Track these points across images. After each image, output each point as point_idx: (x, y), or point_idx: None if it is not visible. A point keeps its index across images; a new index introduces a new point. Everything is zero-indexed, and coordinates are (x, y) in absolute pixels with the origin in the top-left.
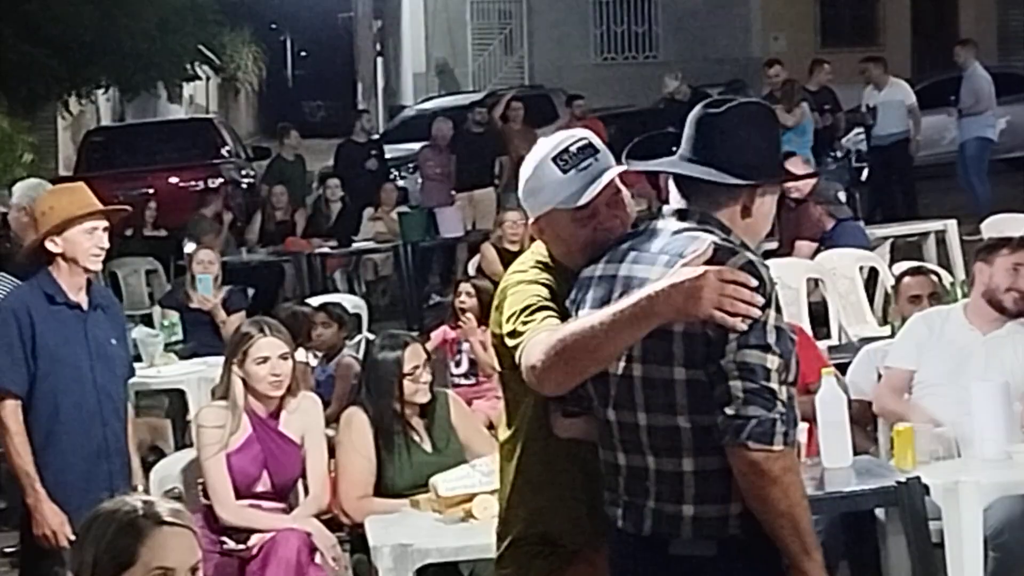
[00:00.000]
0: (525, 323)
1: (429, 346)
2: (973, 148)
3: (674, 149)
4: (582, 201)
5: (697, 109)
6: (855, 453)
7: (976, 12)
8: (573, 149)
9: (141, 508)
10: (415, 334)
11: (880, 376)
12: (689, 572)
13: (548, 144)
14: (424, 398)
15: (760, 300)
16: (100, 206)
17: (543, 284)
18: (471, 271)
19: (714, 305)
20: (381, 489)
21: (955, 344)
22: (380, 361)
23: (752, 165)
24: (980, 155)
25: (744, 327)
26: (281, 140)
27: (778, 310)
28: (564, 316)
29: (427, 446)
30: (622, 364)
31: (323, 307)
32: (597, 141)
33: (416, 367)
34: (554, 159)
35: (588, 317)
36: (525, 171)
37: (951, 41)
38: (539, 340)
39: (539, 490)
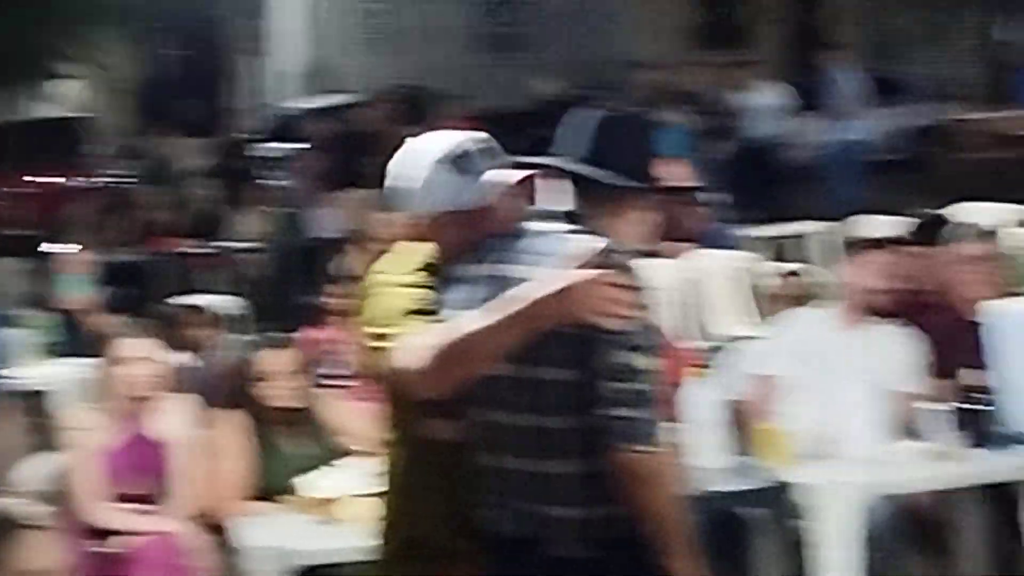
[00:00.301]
0: (399, 326)
1: (301, 347)
2: (843, 151)
3: (551, 151)
4: (479, 204)
5: (587, 112)
6: (727, 454)
7: (846, 16)
8: (467, 152)
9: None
10: (288, 335)
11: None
12: (565, 574)
13: (443, 144)
14: (289, 403)
15: (637, 301)
16: None
17: (416, 286)
18: (343, 271)
19: (592, 308)
20: (255, 491)
21: (824, 345)
22: (246, 363)
23: (643, 171)
24: (849, 158)
25: (621, 329)
26: (155, 139)
27: (653, 311)
28: (437, 317)
29: (302, 450)
30: (503, 365)
31: (198, 307)
32: (488, 144)
33: (278, 373)
34: (447, 160)
35: (467, 321)
36: (415, 170)
37: (821, 44)
38: (417, 344)
39: (416, 493)
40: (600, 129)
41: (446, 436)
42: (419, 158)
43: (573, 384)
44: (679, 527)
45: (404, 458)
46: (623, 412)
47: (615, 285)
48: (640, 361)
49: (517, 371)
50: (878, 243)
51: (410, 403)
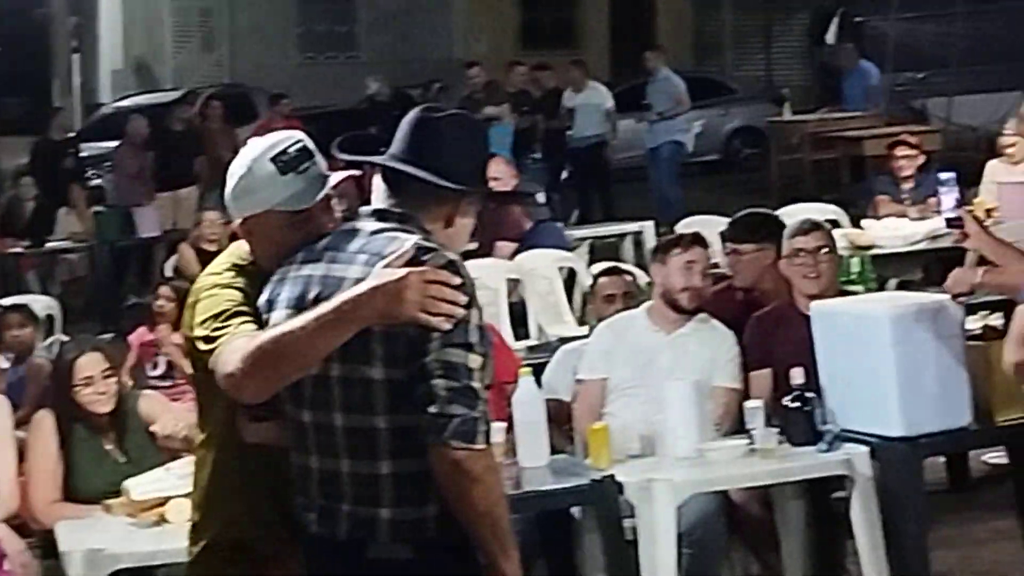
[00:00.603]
0: (219, 329)
1: (128, 349)
2: (666, 152)
3: (382, 150)
4: (304, 204)
5: (416, 112)
6: (552, 452)
7: (673, 18)
8: (292, 151)
9: None
10: (110, 336)
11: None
12: None
13: (264, 143)
14: (104, 407)
15: (463, 299)
16: None
17: (237, 288)
18: (169, 271)
19: (417, 307)
20: (73, 494)
21: (641, 346)
22: (60, 366)
23: (466, 173)
24: (672, 159)
25: (448, 327)
26: None
27: (479, 309)
28: (258, 319)
29: (119, 455)
30: (319, 364)
31: (18, 307)
32: (312, 144)
33: (90, 376)
34: (272, 159)
35: (288, 322)
36: (237, 169)
37: (648, 46)
38: (236, 346)
39: (231, 495)
40: (444, 132)
41: (261, 439)
42: (245, 156)
43: (401, 383)
44: (503, 527)
45: (222, 460)
46: (450, 409)
47: (436, 282)
48: (469, 359)
49: (344, 370)
50: (680, 240)
51: (228, 405)
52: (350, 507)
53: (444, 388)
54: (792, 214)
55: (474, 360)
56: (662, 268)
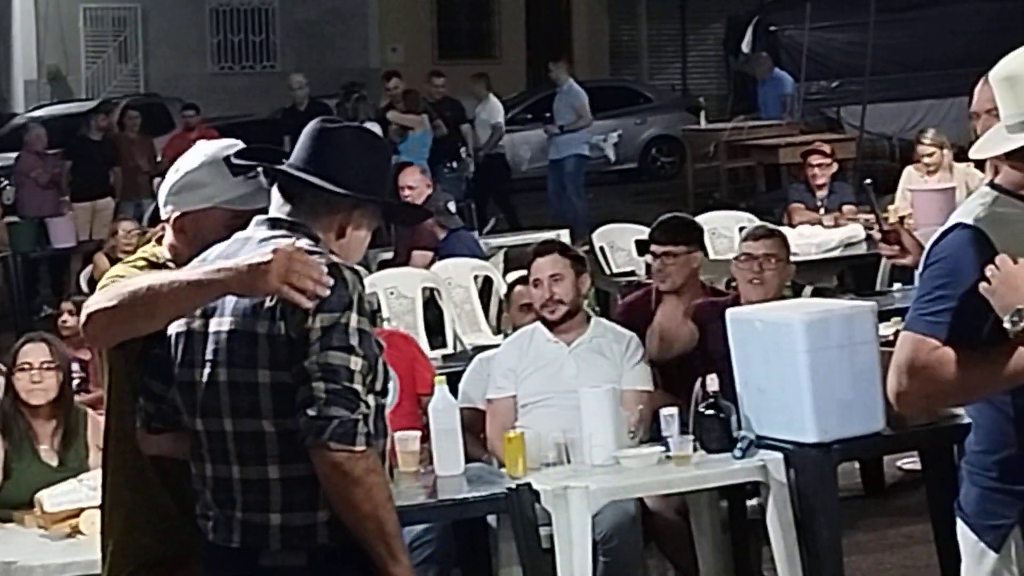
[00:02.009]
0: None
1: None
2: (570, 165)
3: (284, 161)
4: (249, 207)
5: (314, 123)
6: (467, 461)
7: (588, 27)
8: (244, 157)
9: None
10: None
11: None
12: None
13: (219, 144)
14: (37, 399)
15: (329, 281)
16: None
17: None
18: (83, 282)
19: (282, 280)
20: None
21: (544, 359)
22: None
23: (357, 183)
24: (577, 172)
25: (309, 304)
26: None
27: (362, 313)
28: None
29: (54, 460)
30: (207, 370)
31: None
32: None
33: (29, 363)
34: (227, 160)
35: (157, 275)
36: (187, 164)
37: (565, 54)
38: (104, 290)
39: (130, 504)
40: (340, 142)
41: (159, 452)
42: (196, 154)
43: (286, 386)
44: (390, 529)
45: (120, 469)
46: (328, 411)
47: (303, 262)
48: (350, 361)
49: (231, 375)
50: (529, 262)
51: (125, 412)
52: (242, 514)
53: (324, 391)
54: (708, 222)
55: (355, 362)
56: (525, 289)
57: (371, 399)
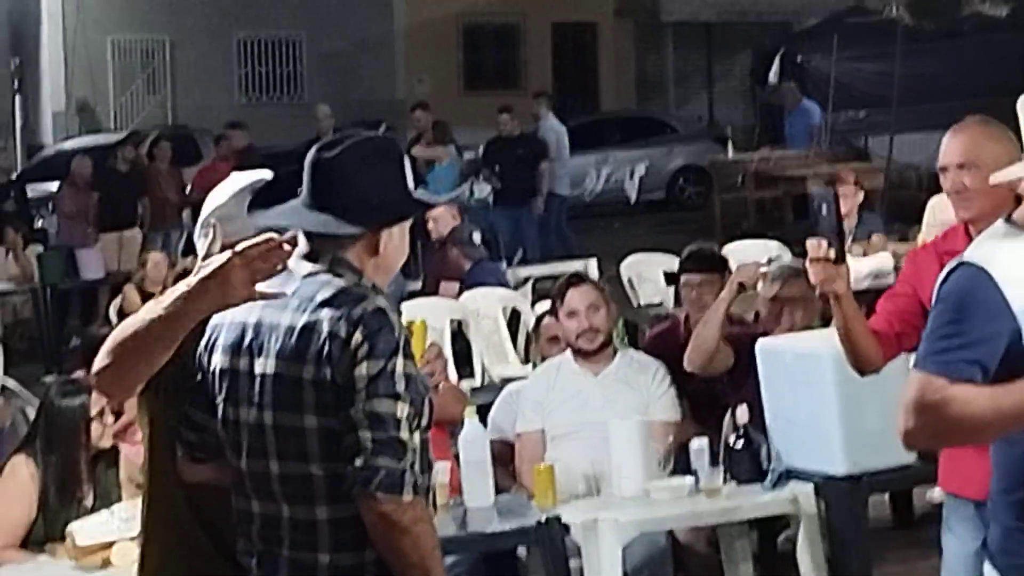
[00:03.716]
0: None
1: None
2: (553, 205)
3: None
4: (283, 229)
5: (312, 152)
6: (497, 492)
7: (615, 58)
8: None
9: None
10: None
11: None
12: None
13: (245, 178)
14: (107, 442)
15: (289, 248)
16: None
17: None
18: (113, 313)
19: (248, 285)
20: (34, 538)
21: (572, 391)
22: (63, 408)
23: (373, 206)
24: (558, 211)
25: (287, 294)
26: None
27: (407, 356)
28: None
29: (88, 499)
30: (254, 412)
31: None
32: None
33: (102, 410)
34: (253, 191)
35: (138, 314)
36: (217, 199)
37: (592, 85)
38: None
39: (170, 536)
40: (342, 169)
41: (201, 479)
42: (229, 187)
43: (333, 431)
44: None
45: (161, 501)
46: (375, 462)
47: (258, 254)
48: (396, 408)
49: (277, 418)
50: (559, 293)
51: (166, 446)
52: (290, 552)
53: (370, 440)
54: (736, 251)
55: (402, 409)
56: (556, 323)
57: (416, 437)
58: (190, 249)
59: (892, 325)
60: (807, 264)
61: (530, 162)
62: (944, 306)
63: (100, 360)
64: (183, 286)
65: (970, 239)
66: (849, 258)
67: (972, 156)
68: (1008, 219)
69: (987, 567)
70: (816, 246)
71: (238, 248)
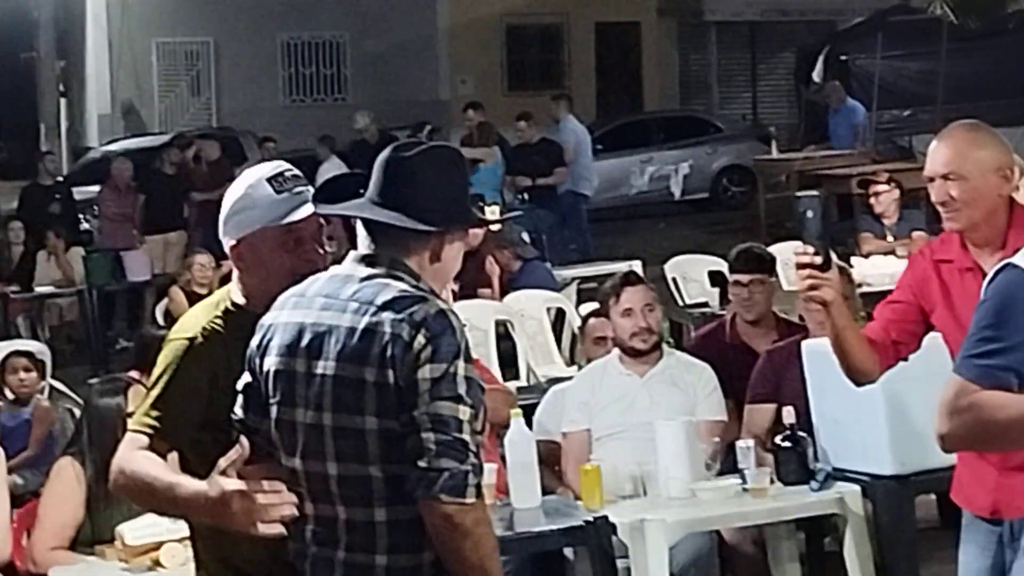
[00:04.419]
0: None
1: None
2: (567, 203)
3: (361, 191)
4: (295, 217)
5: (386, 152)
6: (543, 493)
7: (658, 58)
8: (287, 175)
9: None
10: (136, 375)
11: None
12: None
13: (262, 169)
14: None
15: (295, 500)
16: None
17: (197, 337)
18: (159, 315)
19: (247, 519)
20: (83, 539)
21: (618, 392)
22: (102, 408)
23: (442, 210)
24: (575, 208)
25: (281, 532)
26: None
27: (468, 360)
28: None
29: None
30: (311, 413)
31: (22, 352)
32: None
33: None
34: (268, 180)
35: (154, 472)
36: (235, 192)
37: (635, 85)
38: (121, 455)
39: (222, 538)
40: (416, 170)
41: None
42: (243, 180)
43: (394, 432)
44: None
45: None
46: (439, 464)
47: (262, 502)
48: (459, 411)
49: (336, 420)
50: (613, 291)
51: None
52: (345, 554)
53: (434, 442)
54: (781, 251)
55: (464, 412)
56: (608, 322)
57: (477, 439)
58: None
59: (890, 333)
60: (781, 272)
61: (547, 167)
62: (986, 309)
63: (114, 477)
64: (200, 486)
65: (964, 247)
66: (893, 258)
67: (956, 166)
68: None
69: None
70: (802, 252)
71: (242, 488)
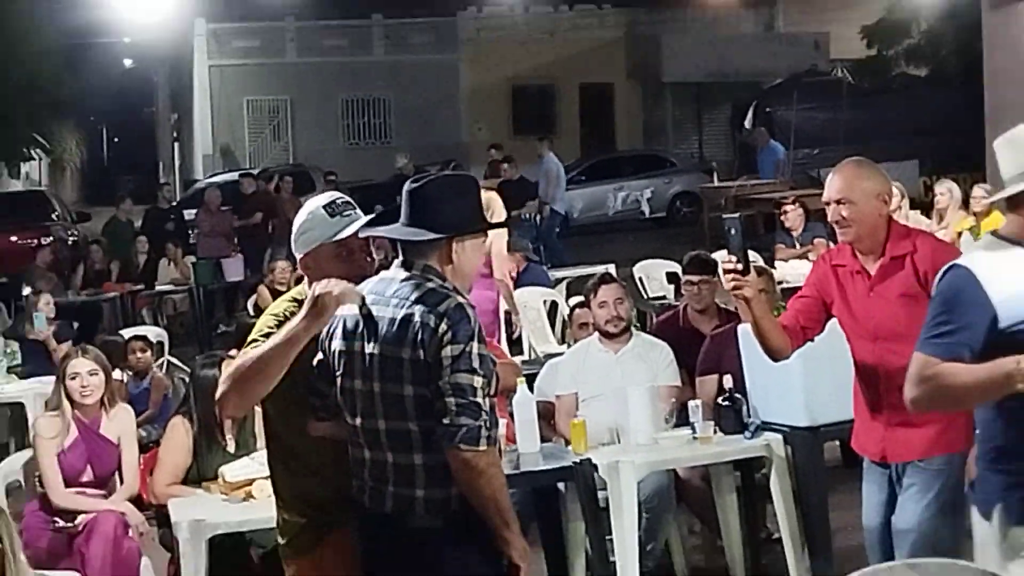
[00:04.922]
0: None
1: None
2: (548, 219)
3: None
4: (344, 235)
5: (408, 184)
6: (542, 441)
7: (627, 109)
8: (339, 202)
9: None
10: (234, 352)
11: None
12: (422, 541)
13: (320, 199)
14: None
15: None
16: None
17: (278, 315)
18: (250, 307)
19: (336, 302)
20: (193, 476)
21: (598, 365)
22: (202, 377)
23: (446, 223)
24: (552, 224)
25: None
26: (118, 205)
27: (480, 341)
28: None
29: (231, 445)
30: (364, 383)
31: (139, 336)
32: (349, 200)
33: None
34: (325, 207)
35: (257, 347)
36: (300, 218)
37: (610, 130)
38: (226, 370)
39: (297, 475)
40: (426, 195)
41: (323, 434)
42: (306, 208)
43: (425, 397)
44: (504, 506)
45: (289, 450)
46: (459, 421)
47: (341, 290)
48: (474, 380)
49: (383, 387)
50: (594, 287)
51: (290, 410)
52: (393, 488)
53: (455, 404)
54: (721, 257)
55: (477, 381)
56: (590, 312)
57: (487, 402)
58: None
59: (799, 320)
60: (721, 274)
61: (520, 201)
62: (938, 301)
63: (222, 387)
64: (293, 322)
65: (854, 255)
66: (805, 261)
67: (847, 192)
68: (994, 233)
69: (973, 503)
70: (727, 260)
71: (330, 289)
